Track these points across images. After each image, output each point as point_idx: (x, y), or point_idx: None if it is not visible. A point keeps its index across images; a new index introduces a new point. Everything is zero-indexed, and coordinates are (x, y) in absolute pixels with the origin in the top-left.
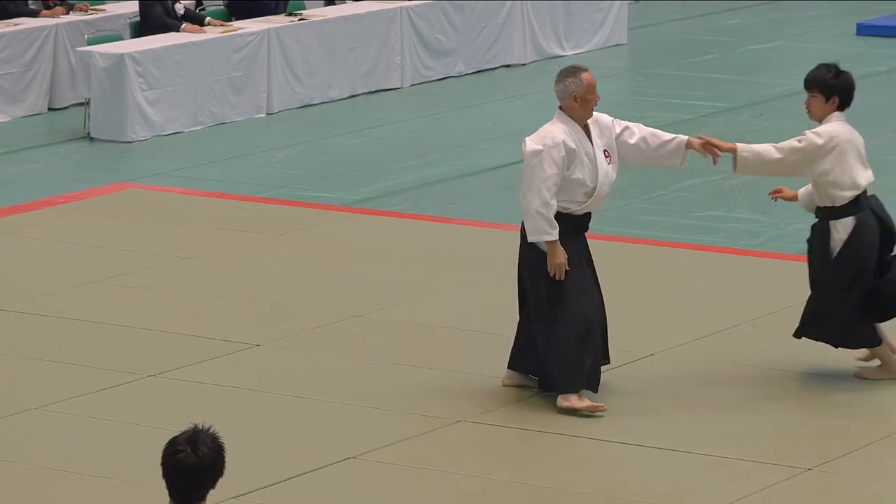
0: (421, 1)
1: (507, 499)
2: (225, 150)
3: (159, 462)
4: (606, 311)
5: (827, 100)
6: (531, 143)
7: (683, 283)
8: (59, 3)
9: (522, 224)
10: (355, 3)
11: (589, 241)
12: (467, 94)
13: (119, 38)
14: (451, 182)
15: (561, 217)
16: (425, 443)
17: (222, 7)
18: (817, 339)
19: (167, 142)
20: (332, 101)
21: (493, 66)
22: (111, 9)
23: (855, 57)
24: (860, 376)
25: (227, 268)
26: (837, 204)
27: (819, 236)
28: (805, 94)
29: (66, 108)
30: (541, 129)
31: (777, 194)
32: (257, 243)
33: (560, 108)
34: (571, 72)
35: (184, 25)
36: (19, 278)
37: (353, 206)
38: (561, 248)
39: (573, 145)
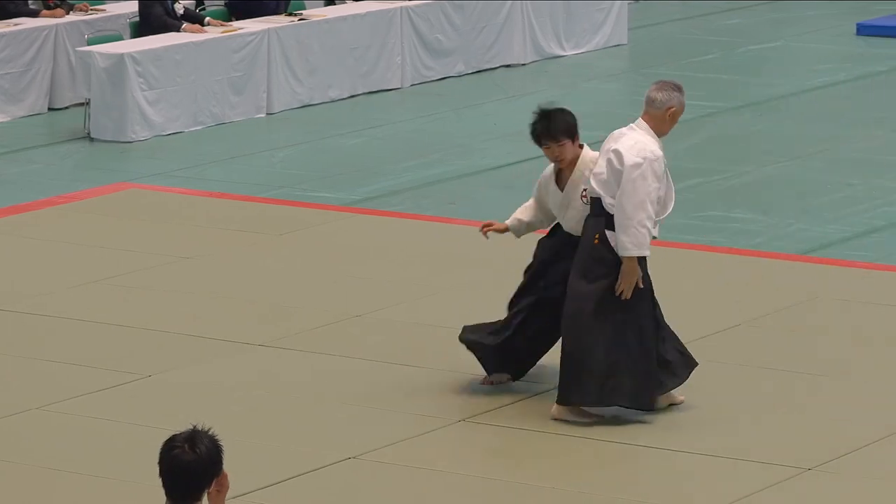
0: (421, 1)
1: (507, 499)
2: (225, 150)
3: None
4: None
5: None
6: (631, 155)
7: (683, 283)
8: (59, 3)
9: (587, 231)
10: (355, 3)
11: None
12: (467, 94)
13: (119, 38)
14: (451, 182)
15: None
16: (425, 443)
17: (222, 7)
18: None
19: (167, 142)
20: (332, 101)
21: (493, 66)
22: (111, 9)
23: (855, 57)
24: None
25: (227, 268)
26: None
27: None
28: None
29: (66, 108)
30: (629, 138)
31: (488, 228)
32: (257, 243)
33: (644, 117)
34: (679, 88)
35: (184, 25)
36: (19, 278)
37: (353, 206)
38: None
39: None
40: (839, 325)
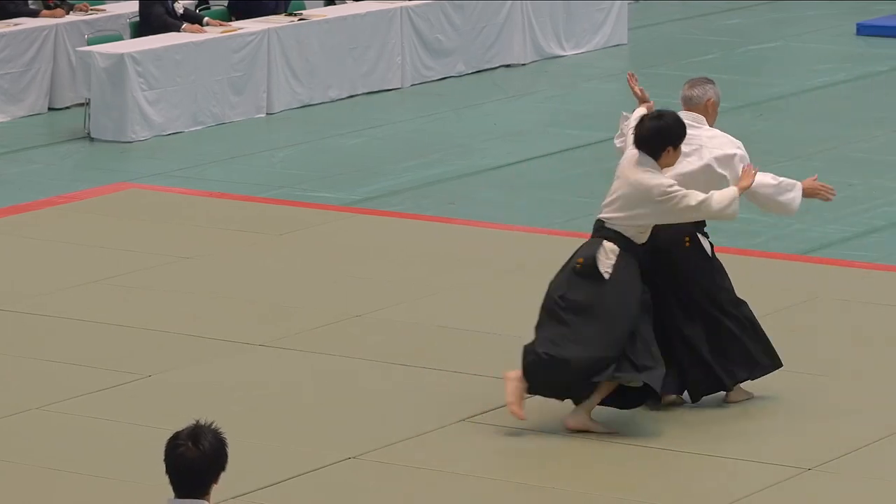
0: (421, 1)
1: (507, 499)
2: (225, 150)
3: (160, 461)
4: None
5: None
6: (731, 147)
7: None
8: (59, 3)
9: (692, 232)
10: (355, 3)
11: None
12: (467, 94)
13: (119, 38)
14: (451, 182)
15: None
16: (425, 443)
17: (222, 7)
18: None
19: (167, 142)
20: (332, 101)
21: (493, 66)
22: (111, 9)
23: (855, 57)
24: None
25: (227, 268)
26: None
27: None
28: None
29: (67, 108)
30: (712, 131)
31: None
32: (257, 243)
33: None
34: (710, 80)
35: (184, 25)
36: (19, 278)
37: (353, 206)
38: None
39: None
40: (839, 325)
